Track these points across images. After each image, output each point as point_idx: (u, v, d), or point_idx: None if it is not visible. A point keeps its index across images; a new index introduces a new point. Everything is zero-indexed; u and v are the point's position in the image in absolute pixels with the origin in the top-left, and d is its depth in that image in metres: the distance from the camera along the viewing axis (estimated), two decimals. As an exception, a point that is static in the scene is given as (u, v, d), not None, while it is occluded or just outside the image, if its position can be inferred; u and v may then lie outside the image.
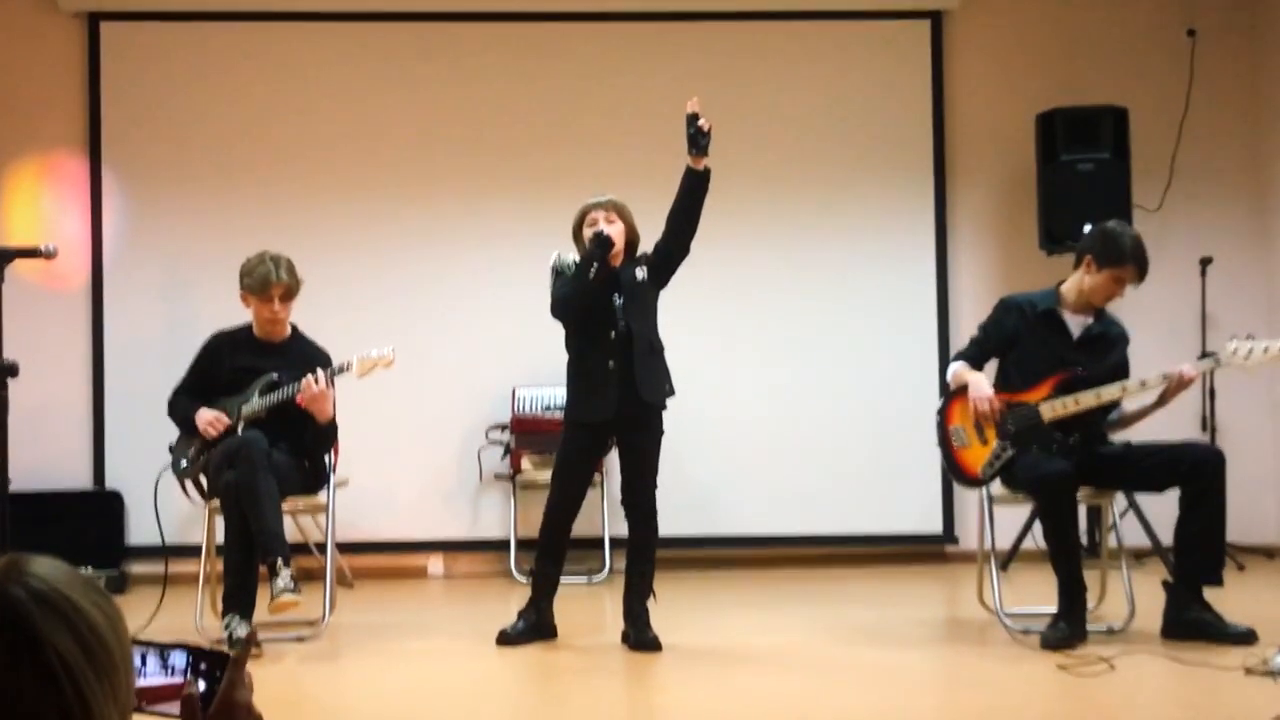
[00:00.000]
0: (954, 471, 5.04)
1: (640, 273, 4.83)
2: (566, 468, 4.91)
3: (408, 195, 6.88)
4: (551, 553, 4.91)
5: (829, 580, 6.46)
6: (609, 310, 4.77)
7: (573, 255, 4.86)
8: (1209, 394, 6.72)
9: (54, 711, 1.08)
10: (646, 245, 4.94)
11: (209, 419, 5.10)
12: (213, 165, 6.81)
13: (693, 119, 4.64)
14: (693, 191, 4.72)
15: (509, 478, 6.58)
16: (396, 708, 4.05)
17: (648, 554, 4.87)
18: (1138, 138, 6.70)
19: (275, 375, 5.12)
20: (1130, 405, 4.93)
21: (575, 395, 4.89)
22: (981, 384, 4.86)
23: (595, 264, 4.67)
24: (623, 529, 4.96)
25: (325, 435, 5.11)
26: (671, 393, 4.86)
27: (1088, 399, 4.75)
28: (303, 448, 5.12)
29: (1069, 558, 4.68)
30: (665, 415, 4.89)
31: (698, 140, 4.65)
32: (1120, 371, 4.90)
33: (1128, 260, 4.77)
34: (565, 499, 4.88)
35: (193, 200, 6.80)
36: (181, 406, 5.22)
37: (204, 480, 5.10)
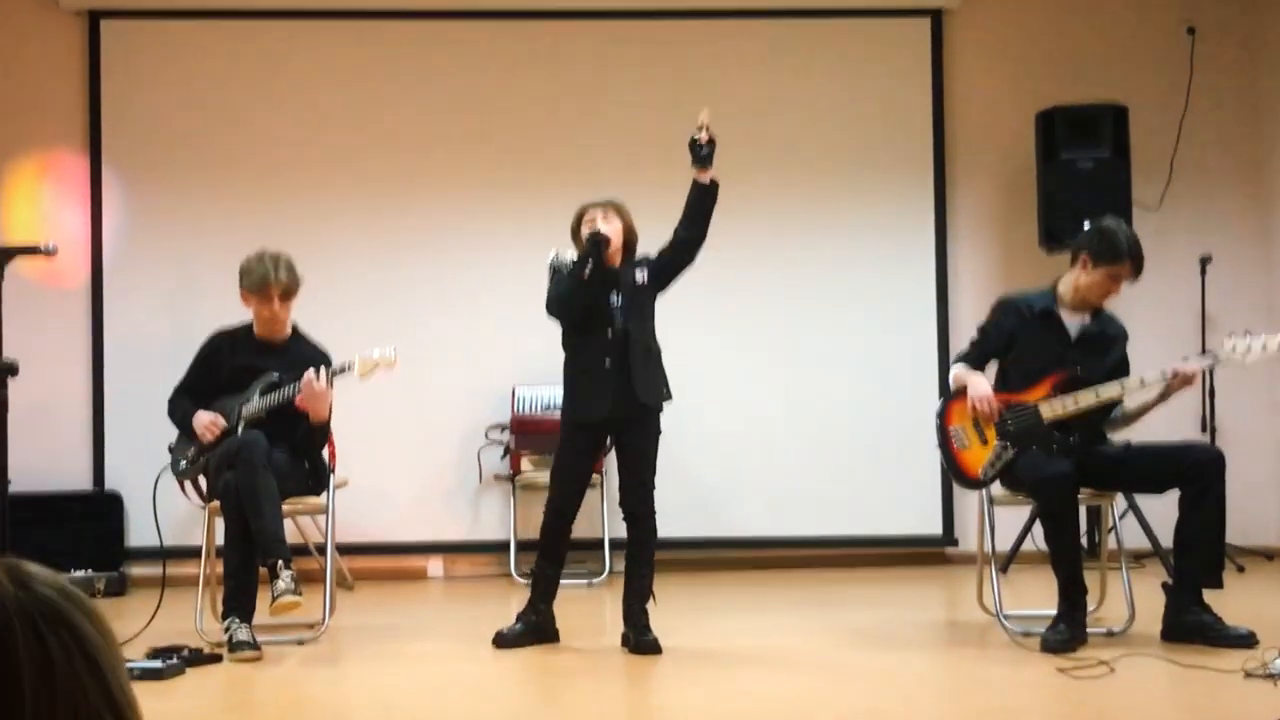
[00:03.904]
0: (954, 473, 5.04)
1: (640, 275, 4.82)
2: (565, 468, 4.90)
3: (408, 195, 6.87)
4: (551, 554, 4.90)
5: (829, 582, 6.46)
6: (606, 310, 4.76)
7: (571, 253, 4.84)
8: (1209, 394, 6.71)
9: (104, 702, 1.09)
10: (647, 246, 4.93)
11: (206, 422, 5.08)
12: (213, 164, 6.81)
13: (695, 134, 4.63)
14: (699, 204, 4.73)
15: (509, 478, 6.57)
16: (397, 710, 4.05)
17: (646, 556, 4.85)
18: (1138, 136, 6.69)
19: (276, 375, 5.10)
20: (1132, 403, 4.92)
21: (571, 395, 4.88)
22: (980, 384, 4.86)
23: (589, 262, 4.66)
24: (623, 530, 4.95)
25: (317, 435, 5.09)
26: (668, 396, 4.85)
27: (1087, 398, 4.75)
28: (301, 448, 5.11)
29: (1069, 559, 4.68)
30: (664, 416, 4.88)
31: (697, 152, 4.64)
32: (1120, 370, 4.89)
33: (1124, 258, 4.76)
34: (564, 499, 4.86)
35: (193, 199, 6.79)
36: (180, 408, 5.20)
37: (204, 481, 5.09)
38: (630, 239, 4.88)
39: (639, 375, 4.73)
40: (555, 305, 4.82)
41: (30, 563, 1.17)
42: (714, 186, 4.71)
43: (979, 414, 4.81)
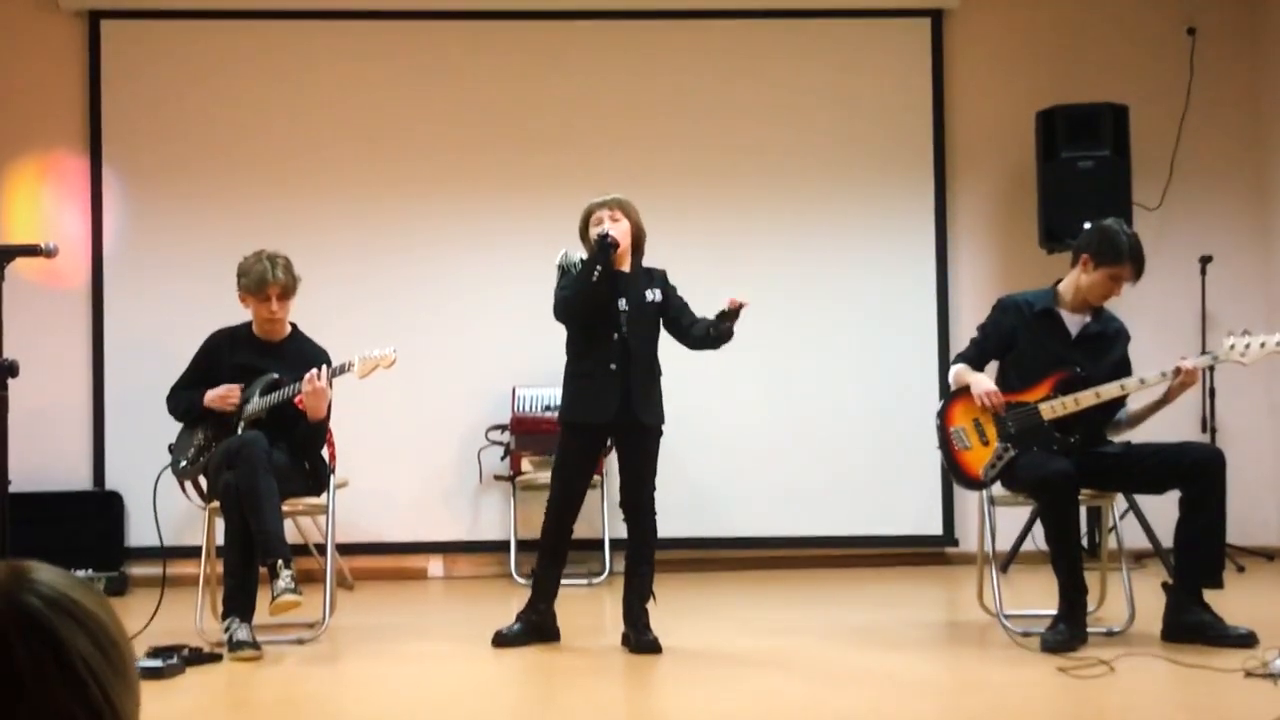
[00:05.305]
0: (955, 473, 5.03)
1: (651, 294, 4.81)
2: (566, 468, 4.89)
3: (408, 195, 6.87)
4: (552, 554, 4.89)
5: (829, 582, 6.46)
6: (613, 314, 4.75)
7: (580, 253, 4.82)
8: (1209, 394, 6.71)
9: (85, 714, 1.08)
10: (648, 247, 4.92)
11: (219, 394, 5.08)
12: (213, 164, 6.81)
13: (733, 314, 4.66)
14: (709, 342, 4.78)
15: (509, 478, 6.57)
16: (396, 710, 4.05)
17: (647, 555, 4.84)
18: (1138, 135, 6.70)
19: (276, 375, 5.10)
20: (1135, 404, 4.91)
21: (572, 396, 4.86)
22: (983, 379, 4.87)
23: (598, 267, 4.64)
24: (623, 530, 4.95)
25: (315, 434, 5.08)
26: (662, 419, 4.85)
27: (1087, 398, 4.74)
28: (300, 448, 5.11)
29: (1070, 559, 4.67)
30: (664, 414, 4.88)
31: (729, 335, 4.71)
32: (1121, 370, 4.88)
33: (1124, 259, 4.76)
34: (566, 499, 4.86)
35: (193, 199, 6.79)
36: (183, 398, 5.20)
37: (204, 481, 5.09)
38: (639, 237, 4.86)
39: (640, 393, 4.73)
40: (563, 308, 4.79)
41: (40, 566, 1.16)
42: (729, 337, 4.74)
43: (985, 407, 4.80)
